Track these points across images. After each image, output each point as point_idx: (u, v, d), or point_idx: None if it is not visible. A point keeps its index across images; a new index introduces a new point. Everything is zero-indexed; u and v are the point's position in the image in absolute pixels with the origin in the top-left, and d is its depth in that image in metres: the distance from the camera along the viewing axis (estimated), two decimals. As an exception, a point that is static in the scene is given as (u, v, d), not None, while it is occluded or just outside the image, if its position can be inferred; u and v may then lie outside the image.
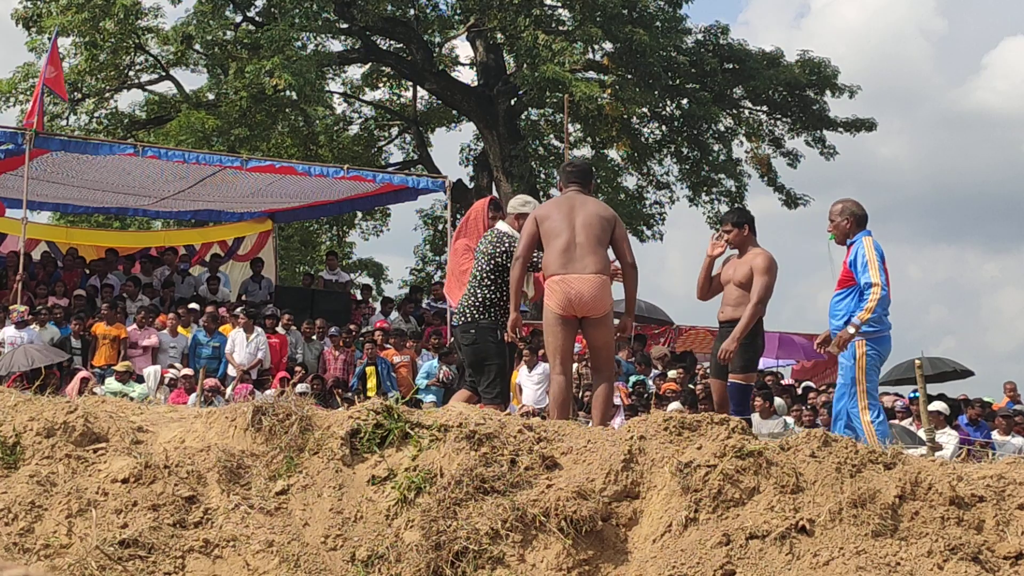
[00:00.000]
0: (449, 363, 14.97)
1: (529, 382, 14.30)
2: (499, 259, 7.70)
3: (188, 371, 14.25)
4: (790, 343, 22.38)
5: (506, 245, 7.72)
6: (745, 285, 7.99)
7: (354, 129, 29.87)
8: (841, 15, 55.35)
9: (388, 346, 15.85)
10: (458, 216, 26.32)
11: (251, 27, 24.40)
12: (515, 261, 7.38)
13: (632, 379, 15.35)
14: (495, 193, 24.13)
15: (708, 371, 16.69)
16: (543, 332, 7.53)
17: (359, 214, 29.67)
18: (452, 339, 15.43)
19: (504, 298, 7.65)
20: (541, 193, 26.27)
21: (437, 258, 29.88)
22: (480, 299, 7.73)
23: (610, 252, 7.43)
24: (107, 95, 25.40)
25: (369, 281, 31.20)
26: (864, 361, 7.44)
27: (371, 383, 14.85)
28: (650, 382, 15.52)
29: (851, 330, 7.35)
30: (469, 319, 7.71)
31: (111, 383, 13.58)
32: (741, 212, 8.51)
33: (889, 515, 4.87)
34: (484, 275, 7.77)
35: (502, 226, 7.91)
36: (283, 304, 17.43)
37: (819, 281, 61.27)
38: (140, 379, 14.16)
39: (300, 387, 13.06)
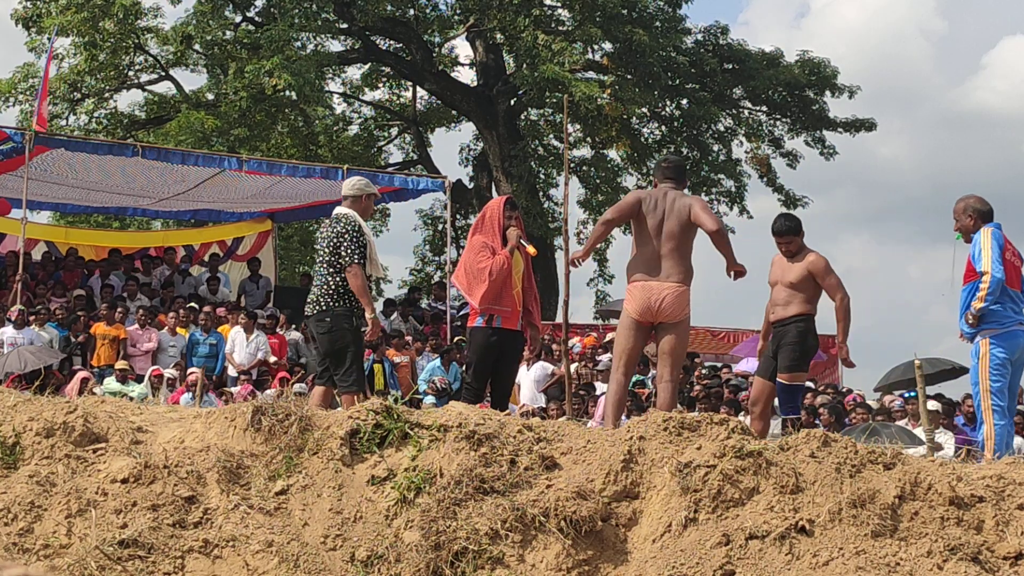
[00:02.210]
0: (450, 361, 14.92)
1: (528, 381, 14.27)
2: (340, 243, 7.61)
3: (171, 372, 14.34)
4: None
5: (341, 227, 7.62)
6: (796, 286, 8.12)
7: (354, 129, 29.83)
8: (841, 15, 55.31)
9: (389, 346, 15.85)
10: (458, 216, 26.46)
11: (251, 27, 24.36)
12: (600, 223, 7.81)
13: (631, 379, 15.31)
14: (495, 194, 24.13)
15: (705, 371, 16.73)
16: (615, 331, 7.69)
17: (359, 214, 29.57)
18: (458, 338, 15.41)
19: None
20: (540, 193, 26.26)
21: (437, 258, 29.83)
22: (332, 287, 7.60)
23: None
24: (107, 95, 25.36)
25: (368, 281, 31.07)
26: (987, 360, 7.36)
27: (378, 381, 14.81)
28: (649, 382, 15.49)
29: (969, 319, 7.39)
30: (324, 307, 7.58)
31: (110, 383, 13.57)
32: (795, 220, 8.44)
33: (889, 515, 4.86)
34: (332, 262, 7.63)
35: (340, 209, 7.80)
36: (282, 304, 17.43)
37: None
38: (140, 379, 14.16)
39: (298, 387, 13.05)
